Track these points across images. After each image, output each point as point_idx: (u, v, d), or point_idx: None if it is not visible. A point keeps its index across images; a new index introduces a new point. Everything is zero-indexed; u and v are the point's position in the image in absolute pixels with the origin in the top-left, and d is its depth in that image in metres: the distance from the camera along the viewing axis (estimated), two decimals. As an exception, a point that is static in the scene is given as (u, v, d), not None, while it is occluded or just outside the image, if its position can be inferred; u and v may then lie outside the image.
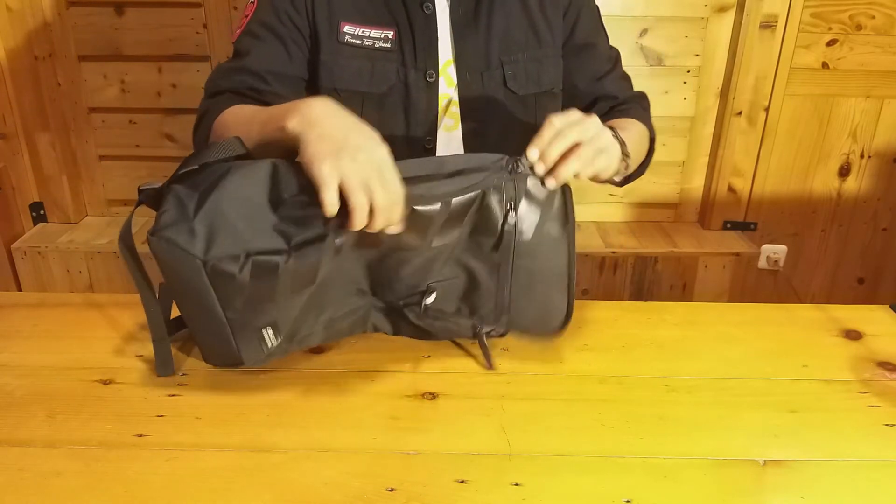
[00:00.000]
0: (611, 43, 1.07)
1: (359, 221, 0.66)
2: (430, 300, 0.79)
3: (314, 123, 0.69)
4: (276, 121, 0.74)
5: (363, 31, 0.94)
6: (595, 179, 0.85)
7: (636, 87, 1.07)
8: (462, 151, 1.00)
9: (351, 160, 0.65)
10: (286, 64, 0.94)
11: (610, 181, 1.04)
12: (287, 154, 0.73)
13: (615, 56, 1.06)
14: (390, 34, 0.94)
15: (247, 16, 0.95)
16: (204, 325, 0.74)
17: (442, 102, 0.98)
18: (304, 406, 0.75)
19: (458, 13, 0.96)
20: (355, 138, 0.68)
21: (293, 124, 0.70)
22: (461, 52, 0.96)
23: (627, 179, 1.04)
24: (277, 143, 0.74)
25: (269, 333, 0.74)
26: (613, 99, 1.03)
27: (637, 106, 1.04)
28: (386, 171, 0.67)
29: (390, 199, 0.66)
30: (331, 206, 0.65)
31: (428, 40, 0.95)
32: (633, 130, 0.96)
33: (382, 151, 0.68)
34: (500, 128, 1.00)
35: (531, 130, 1.00)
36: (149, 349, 0.80)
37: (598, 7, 1.05)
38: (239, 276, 0.68)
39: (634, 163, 0.92)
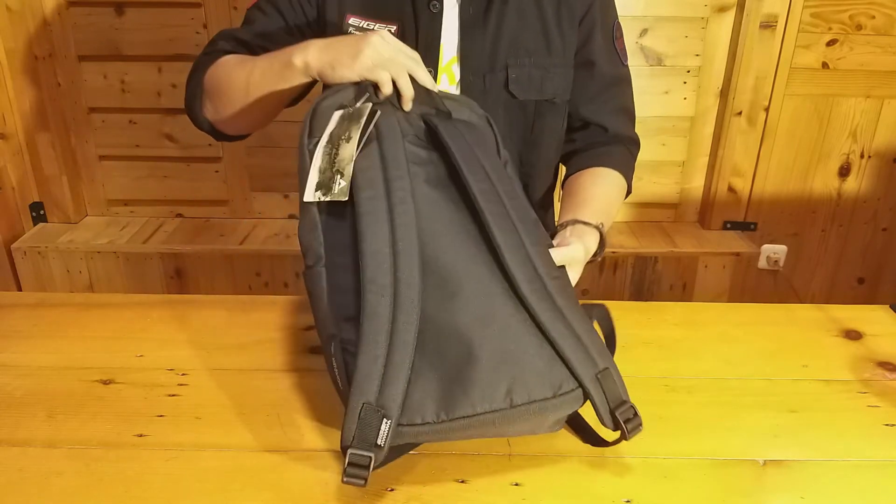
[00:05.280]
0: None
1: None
2: None
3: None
4: (281, 57, 0.81)
5: (368, 24, 0.95)
6: None
7: (636, 88, 1.06)
8: None
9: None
10: (286, 41, 0.95)
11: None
12: (286, 92, 0.82)
13: (621, 79, 1.04)
14: (393, 29, 0.95)
15: None
16: None
17: None
18: (303, 406, 0.75)
19: (468, 12, 0.95)
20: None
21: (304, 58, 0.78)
22: (466, 52, 0.96)
23: None
24: (279, 79, 0.81)
25: None
26: (603, 131, 1.02)
27: (625, 150, 1.03)
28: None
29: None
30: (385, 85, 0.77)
31: (430, 39, 0.95)
32: (612, 209, 0.97)
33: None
34: (498, 132, 0.99)
35: (528, 139, 0.99)
36: (148, 349, 0.80)
37: (616, 27, 1.02)
38: None
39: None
